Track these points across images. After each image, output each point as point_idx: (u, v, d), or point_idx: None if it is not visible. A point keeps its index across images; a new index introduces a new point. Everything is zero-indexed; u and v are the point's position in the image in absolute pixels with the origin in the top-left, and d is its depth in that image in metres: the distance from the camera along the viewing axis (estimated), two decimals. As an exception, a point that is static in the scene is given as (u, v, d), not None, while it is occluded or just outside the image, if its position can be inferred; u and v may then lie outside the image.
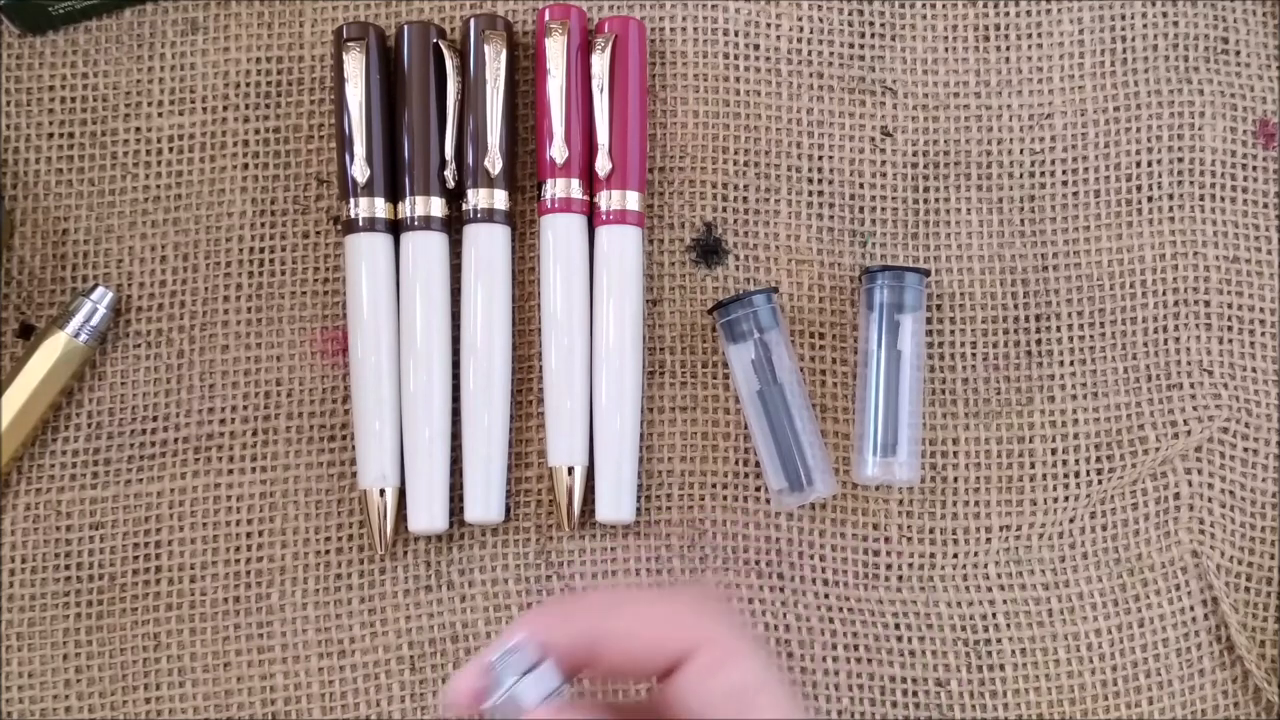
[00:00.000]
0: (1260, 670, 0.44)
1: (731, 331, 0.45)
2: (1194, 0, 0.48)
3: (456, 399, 0.45)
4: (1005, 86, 0.48)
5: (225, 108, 0.47)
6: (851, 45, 0.48)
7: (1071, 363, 0.46)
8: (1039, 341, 0.46)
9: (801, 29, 0.48)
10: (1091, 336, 0.46)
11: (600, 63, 0.45)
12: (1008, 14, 0.48)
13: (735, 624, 0.34)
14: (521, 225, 0.47)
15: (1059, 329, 0.46)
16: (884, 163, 0.47)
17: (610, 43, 0.45)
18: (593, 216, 0.46)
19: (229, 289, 0.46)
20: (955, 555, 0.45)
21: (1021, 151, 0.47)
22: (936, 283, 0.47)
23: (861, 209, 0.47)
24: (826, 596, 0.45)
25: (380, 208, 0.45)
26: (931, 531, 0.45)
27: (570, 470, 0.44)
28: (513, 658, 0.32)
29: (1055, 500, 0.46)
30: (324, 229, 0.47)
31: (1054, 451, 0.46)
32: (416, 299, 0.45)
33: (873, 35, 0.48)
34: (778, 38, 0.47)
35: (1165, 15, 0.48)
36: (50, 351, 0.44)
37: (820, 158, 0.47)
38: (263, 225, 0.47)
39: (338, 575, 0.45)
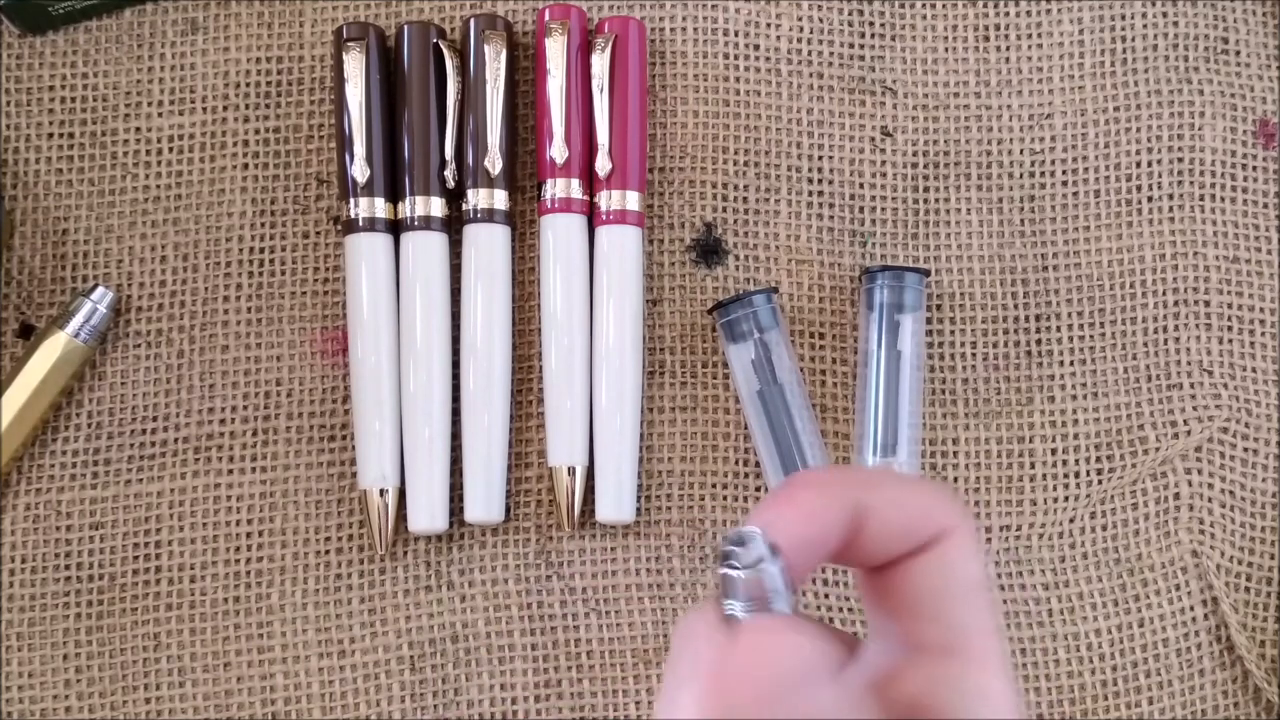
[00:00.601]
0: (1260, 670, 0.44)
1: (731, 331, 0.45)
2: (1194, 0, 0.48)
3: (456, 399, 0.45)
4: (1005, 86, 0.48)
5: (225, 108, 0.47)
6: (851, 45, 0.48)
7: (1071, 363, 0.46)
8: (1039, 341, 0.46)
9: (801, 29, 0.48)
10: (1091, 336, 0.46)
11: (600, 63, 0.45)
12: (1008, 14, 0.48)
13: (973, 520, 0.33)
14: (521, 225, 0.47)
15: (1059, 329, 0.46)
16: (884, 163, 0.47)
17: (610, 43, 0.45)
18: (593, 216, 0.46)
19: (229, 289, 0.46)
20: (955, 555, 0.45)
21: (1021, 151, 0.47)
22: (936, 283, 0.47)
23: (861, 209, 0.47)
24: (826, 596, 0.45)
25: (380, 208, 0.45)
26: (931, 531, 0.45)
27: (570, 470, 0.44)
28: (743, 549, 0.29)
29: (1055, 500, 0.46)
30: (324, 229, 0.47)
31: (1054, 451, 0.46)
32: (416, 299, 0.45)
33: (873, 35, 0.48)
34: (778, 38, 0.47)
35: (1165, 15, 0.48)
36: (50, 351, 0.44)
37: (820, 158, 0.47)
38: (263, 225, 0.47)
39: (338, 575, 0.45)
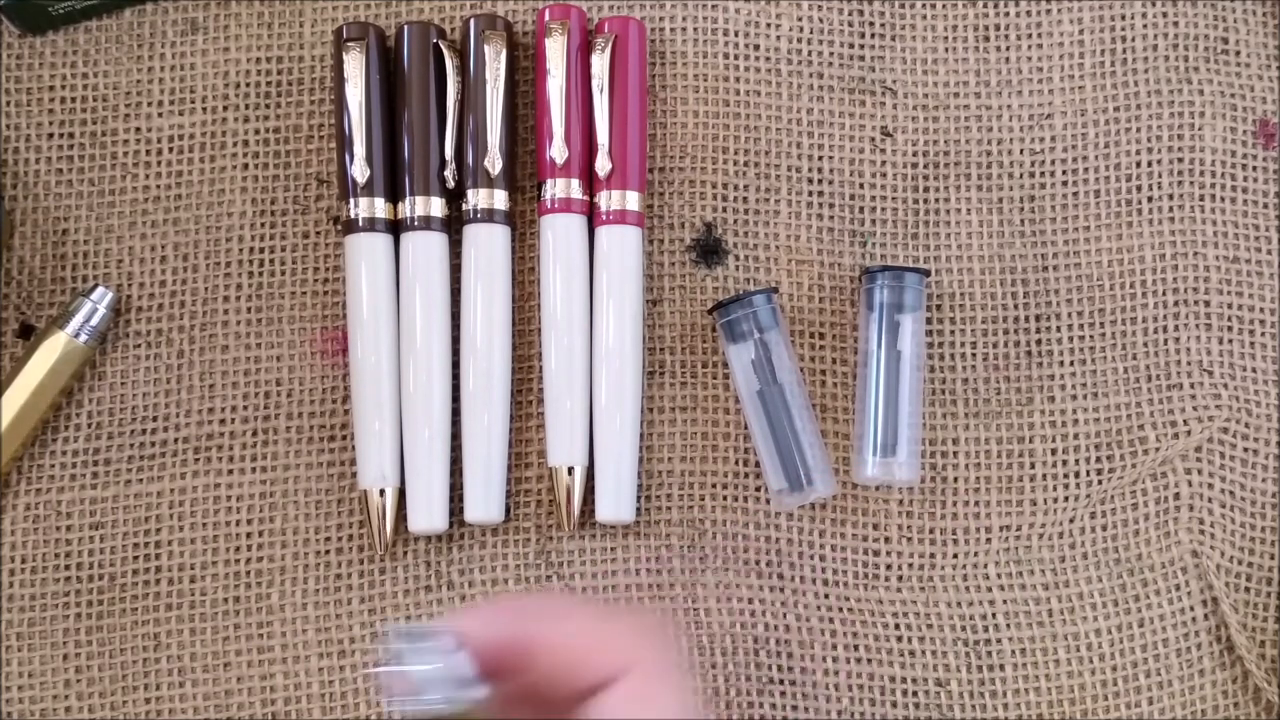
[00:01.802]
0: (1260, 670, 0.44)
1: (731, 331, 0.45)
2: (1194, 0, 0.48)
3: (456, 399, 0.45)
4: (1005, 86, 0.48)
5: (225, 108, 0.47)
6: (851, 45, 0.48)
7: (1071, 363, 0.46)
8: (1039, 341, 0.46)
9: (801, 29, 0.48)
10: (1091, 336, 0.47)
11: (600, 63, 0.45)
12: (1008, 14, 0.48)
13: (669, 656, 0.33)
14: (521, 225, 0.47)
15: (1059, 329, 0.46)
16: (884, 163, 0.47)
17: (610, 43, 0.45)
18: (593, 217, 0.46)
19: (229, 289, 0.46)
20: (955, 555, 0.45)
21: (1021, 151, 0.47)
22: (936, 283, 0.47)
23: (861, 209, 0.47)
24: (826, 596, 0.45)
25: (380, 208, 0.45)
26: (931, 531, 0.45)
27: (570, 470, 0.44)
28: (424, 643, 0.30)
29: (1055, 500, 0.46)
30: (324, 229, 0.47)
31: (1054, 451, 0.46)
32: (416, 299, 0.45)
33: (873, 35, 0.48)
34: (778, 38, 0.47)
35: (1165, 15, 0.48)
36: (50, 351, 0.44)
37: (820, 158, 0.47)
38: (263, 225, 0.47)
39: (338, 575, 0.45)
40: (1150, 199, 0.47)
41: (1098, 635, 0.45)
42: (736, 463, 0.46)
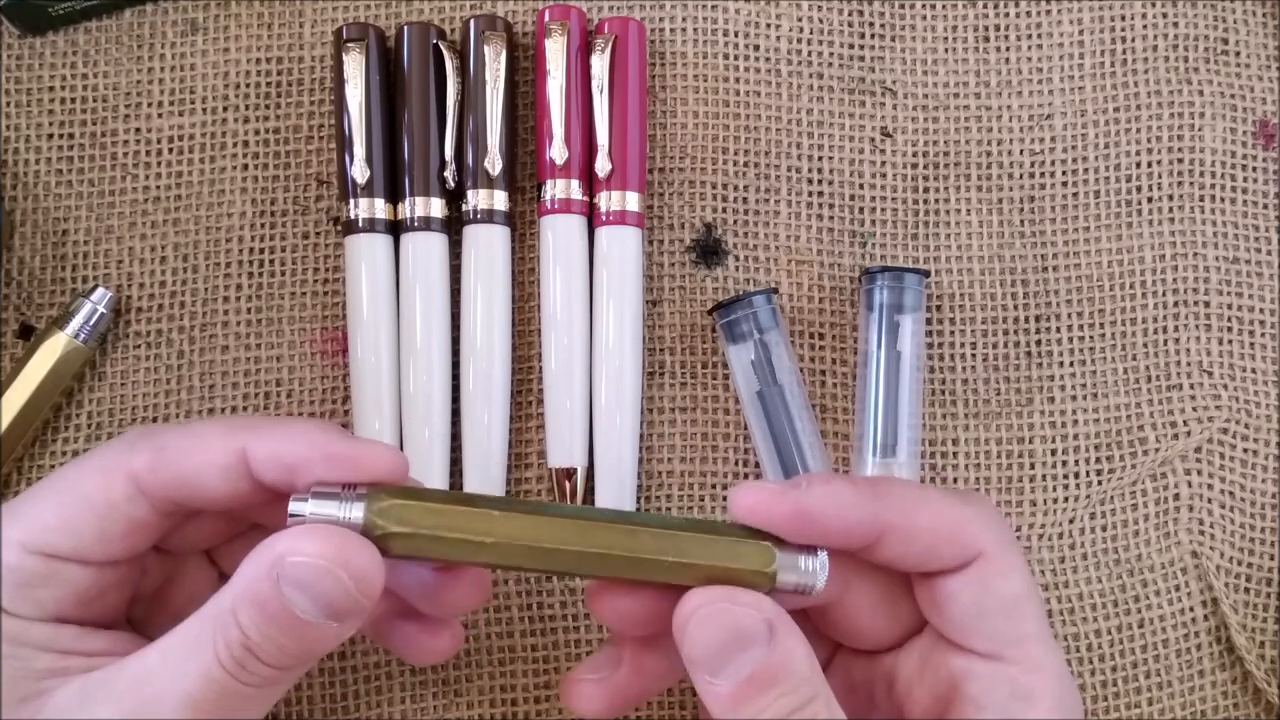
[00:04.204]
0: (1260, 671, 0.44)
1: (731, 332, 0.45)
2: (1194, 0, 0.48)
3: (456, 399, 0.45)
4: (1005, 87, 0.48)
5: (225, 108, 0.47)
6: (851, 45, 0.48)
7: (1071, 363, 0.46)
8: (1039, 342, 0.46)
9: (801, 29, 0.48)
10: (1091, 337, 0.47)
11: (600, 63, 0.45)
12: (1008, 14, 0.48)
13: (1009, 535, 0.34)
14: (521, 226, 0.47)
15: (1059, 329, 0.46)
16: (884, 163, 0.47)
17: (610, 43, 0.45)
18: (592, 217, 0.46)
19: (229, 289, 0.46)
20: (955, 556, 0.45)
21: (1021, 152, 0.47)
22: (936, 283, 0.47)
23: (861, 209, 0.47)
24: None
25: (380, 208, 0.45)
26: (931, 532, 0.45)
27: (570, 471, 0.44)
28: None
29: (1055, 500, 0.46)
30: (324, 229, 0.47)
31: (1054, 452, 0.46)
32: (416, 299, 0.45)
33: (873, 35, 0.48)
34: (778, 38, 0.47)
35: (1165, 15, 0.48)
36: (50, 352, 0.44)
37: (820, 158, 0.47)
38: (263, 225, 0.47)
39: (338, 576, 0.45)
40: (1150, 199, 0.47)
41: (1098, 636, 0.45)
42: (736, 463, 0.46)
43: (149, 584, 0.36)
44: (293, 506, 0.31)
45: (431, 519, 0.32)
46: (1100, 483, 0.46)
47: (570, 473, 0.44)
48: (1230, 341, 0.47)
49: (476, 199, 0.45)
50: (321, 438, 0.32)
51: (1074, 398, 0.46)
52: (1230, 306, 0.47)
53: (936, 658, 0.34)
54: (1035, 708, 0.32)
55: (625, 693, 0.36)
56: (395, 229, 0.45)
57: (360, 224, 0.45)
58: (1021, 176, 0.47)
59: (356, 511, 0.31)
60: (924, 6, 0.48)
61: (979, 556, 0.33)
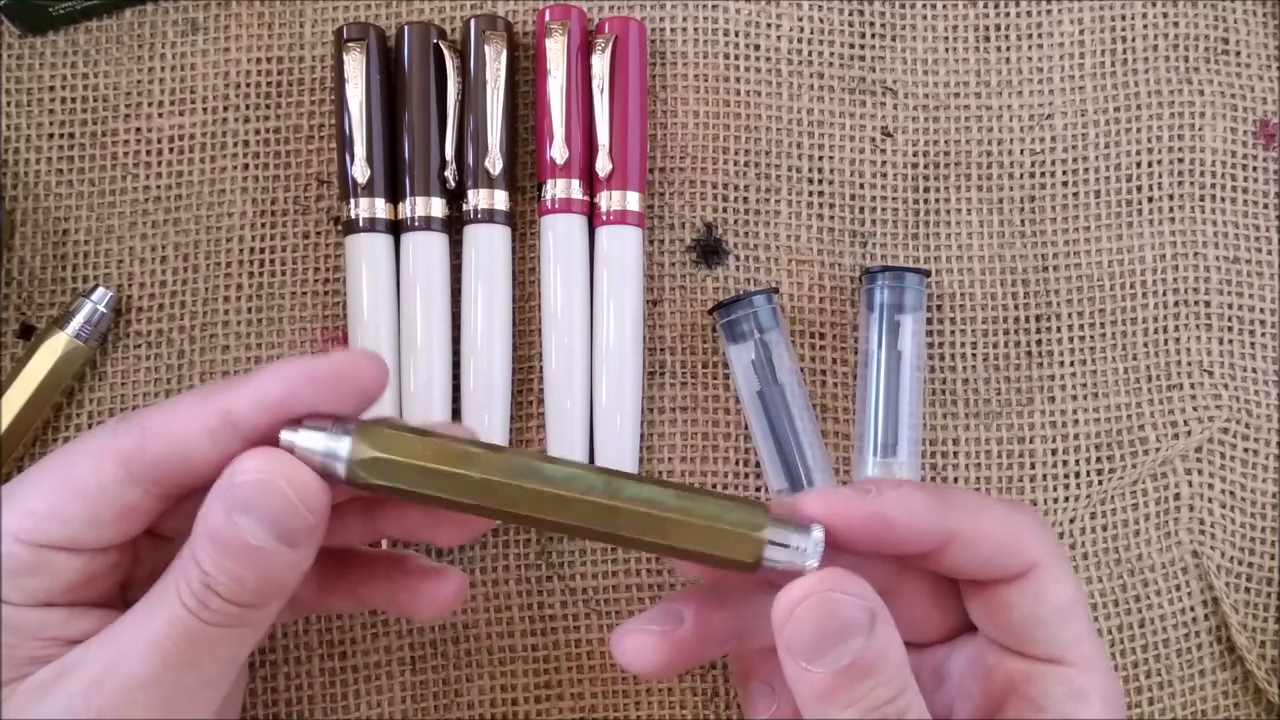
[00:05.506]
0: (1261, 670, 0.44)
1: (732, 332, 0.45)
2: (1194, 0, 0.48)
3: (456, 399, 0.45)
4: (1005, 87, 0.48)
5: (225, 108, 0.47)
6: (851, 45, 0.48)
7: (1071, 363, 0.46)
8: (1039, 342, 0.46)
9: (801, 29, 0.48)
10: (1091, 337, 0.47)
11: (600, 63, 0.45)
12: (1008, 14, 0.48)
13: (1057, 540, 0.35)
14: (522, 225, 0.47)
15: (1059, 329, 0.46)
16: (884, 163, 0.47)
17: (610, 43, 0.45)
18: (593, 217, 0.46)
19: (229, 289, 0.46)
20: (955, 555, 0.45)
21: (1021, 152, 0.47)
22: (936, 283, 0.47)
23: (861, 209, 0.47)
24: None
25: (380, 208, 0.45)
26: (932, 532, 0.45)
27: (570, 470, 0.44)
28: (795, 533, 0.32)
29: (1055, 500, 0.46)
30: (324, 229, 0.47)
31: (1054, 452, 0.46)
32: (416, 299, 0.45)
33: (873, 35, 0.48)
34: (778, 38, 0.47)
35: (1165, 15, 0.48)
36: (50, 352, 0.44)
37: (820, 158, 0.47)
38: (263, 225, 0.47)
39: (338, 575, 0.45)
40: (1150, 199, 0.47)
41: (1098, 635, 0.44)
42: (736, 463, 0.46)
43: (143, 569, 0.35)
44: (283, 436, 0.31)
45: (416, 446, 0.32)
46: (1101, 482, 0.46)
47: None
48: (1231, 341, 0.47)
49: (477, 199, 0.45)
50: (298, 366, 0.32)
51: (1074, 397, 0.46)
52: (1231, 306, 0.47)
53: (990, 659, 0.35)
54: (1089, 706, 0.33)
55: (685, 651, 0.35)
56: (396, 229, 0.45)
57: (361, 224, 0.45)
58: (1022, 176, 0.47)
59: (344, 443, 0.31)
60: (924, 6, 0.48)
61: (1034, 566, 0.33)
